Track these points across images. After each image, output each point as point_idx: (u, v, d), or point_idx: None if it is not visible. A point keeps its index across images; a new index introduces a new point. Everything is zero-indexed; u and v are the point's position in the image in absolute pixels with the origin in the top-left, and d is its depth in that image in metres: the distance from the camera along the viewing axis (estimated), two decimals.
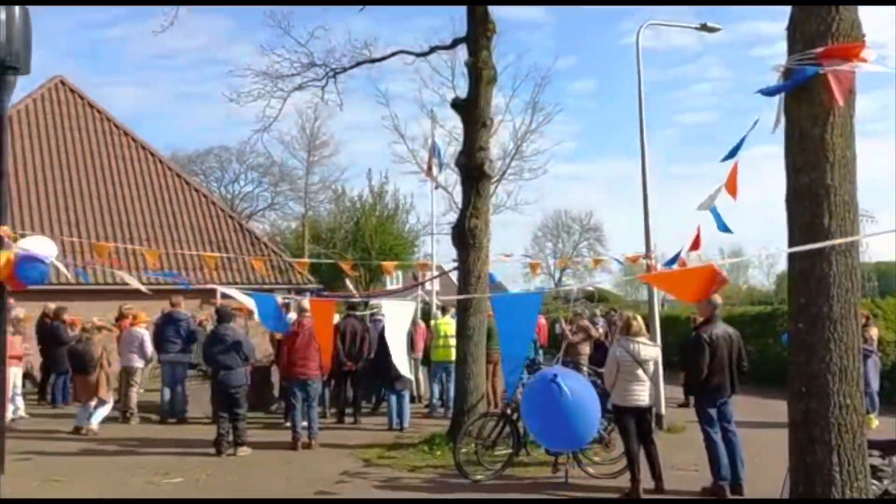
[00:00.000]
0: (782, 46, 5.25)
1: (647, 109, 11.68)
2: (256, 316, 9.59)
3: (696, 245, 9.54)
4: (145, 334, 11.93)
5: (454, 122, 17.67)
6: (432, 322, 12.68)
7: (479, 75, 10.09)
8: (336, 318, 10.12)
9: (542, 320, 16.58)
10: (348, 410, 11.60)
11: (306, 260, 22.72)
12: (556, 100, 73.98)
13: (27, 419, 11.65)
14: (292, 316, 10.50)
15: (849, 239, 4.78)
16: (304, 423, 9.70)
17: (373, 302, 15.08)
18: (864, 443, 4.92)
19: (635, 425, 7.33)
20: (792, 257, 5.07)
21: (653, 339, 9.55)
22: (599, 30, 67.50)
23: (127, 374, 11.85)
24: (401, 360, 10.86)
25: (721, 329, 7.43)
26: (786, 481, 5.25)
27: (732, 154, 6.79)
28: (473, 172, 10.06)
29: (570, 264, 51.77)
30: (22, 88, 19.91)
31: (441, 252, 36.91)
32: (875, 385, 10.71)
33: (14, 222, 15.01)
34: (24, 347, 12.30)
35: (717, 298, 7.53)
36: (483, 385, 10.05)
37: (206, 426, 10.59)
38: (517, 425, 8.19)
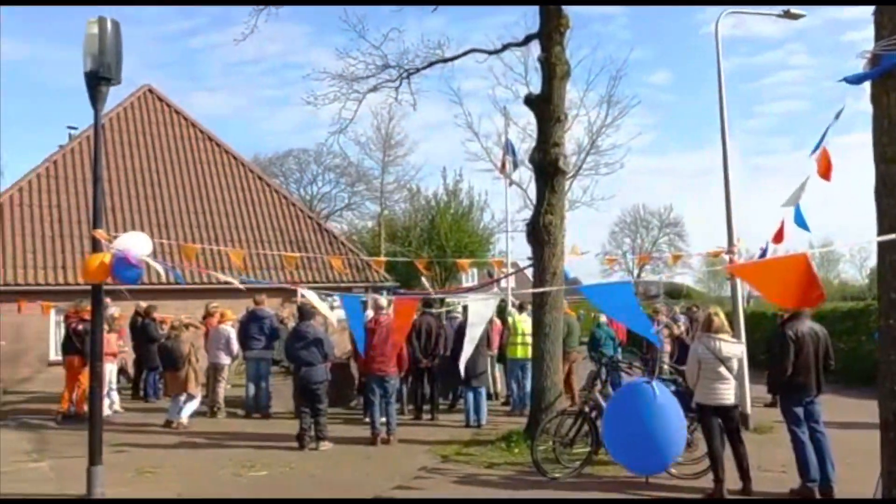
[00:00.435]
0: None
1: (729, 99, 11.35)
2: (333, 318, 9.74)
3: (778, 238, 9.20)
4: (231, 332, 12.28)
5: (528, 119, 17.57)
6: (509, 319, 12.67)
7: (553, 70, 9.99)
8: None
9: None
10: (426, 407, 11.71)
11: (382, 259, 23.05)
12: (632, 93, 72.67)
13: (122, 413, 12.24)
14: (369, 314, 10.67)
15: None
16: (383, 419, 9.86)
17: (449, 300, 15.17)
18: None
19: (721, 424, 7.15)
20: (882, 250, 4.83)
21: (737, 336, 9.27)
22: (676, 19, 66.15)
23: (215, 370, 12.25)
24: (468, 355, 10.74)
25: (807, 326, 7.16)
26: (878, 484, 5.02)
27: (817, 148, 6.54)
28: (547, 169, 9.98)
29: (650, 261, 50.80)
30: (113, 98, 20.90)
31: (516, 249, 36.89)
32: None
33: (107, 225, 15.77)
34: (119, 344, 12.92)
35: None
36: (560, 382, 9.99)
37: (289, 421, 10.87)
38: (596, 423, 8.10)
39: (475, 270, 37.65)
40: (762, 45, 68.65)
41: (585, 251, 15.61)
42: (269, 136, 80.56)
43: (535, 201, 10.43)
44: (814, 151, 6.70)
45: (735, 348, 7.33)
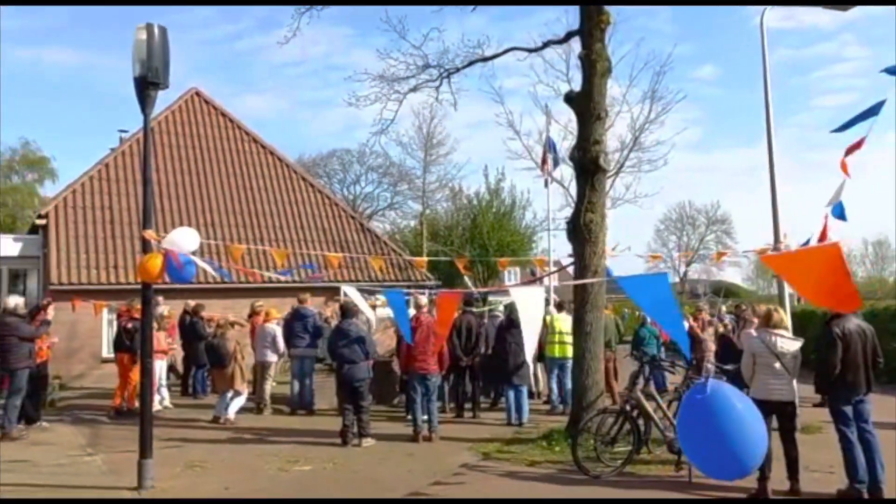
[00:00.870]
0: None
1: (780, 93, 11.18)
2: (371, 317, 9.84)
3: (823, 237, 9.00)
4: (277, 330, 12.43)
5: (569, 116, 17.45)
6: (547, 318, 12.62)
7: (593, 67, 9.92)
8: None
9: None
10: (467, 405, 11.76)
11: (425, 258, 23.14)
12: (676, 87, 71.54)
13: (172, 409, 12.55)
14: (411, 312, 10.75)
15: None
16: (425, 417, 9.94)
17: (490, 299, 15.16)
18: None
19: (776, 422, 7.03)
20: None
21: None
22: (721, 12, 64.85)
23: (262, 367, 12.45)
24: (531, 346, 10.59)
25: (854, 323, 6.99)
26: None
27: (843, 128, 6.35)
28: (588, 166, 9.91)
29: (696, 258, 49.99)
30: (161, 101, 21.40)
31: (559, 247, 36.68)
32: None
33: (157, 226, 16.17)
34: (168, 342, 13.24)
35: None
36: (601, 381, 9.93)
37: (333, 418, 11.02)
38: (637, 422, 8.05)
39: (518, 269, 37.54)
40: (816, 36, 66.86)
41: (622, 249, 15.45)
42: (311, 139, 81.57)
43: (575, 199, 10.39)
44: (836, 130, 6.50)
45: (791, 344, 7.15)
